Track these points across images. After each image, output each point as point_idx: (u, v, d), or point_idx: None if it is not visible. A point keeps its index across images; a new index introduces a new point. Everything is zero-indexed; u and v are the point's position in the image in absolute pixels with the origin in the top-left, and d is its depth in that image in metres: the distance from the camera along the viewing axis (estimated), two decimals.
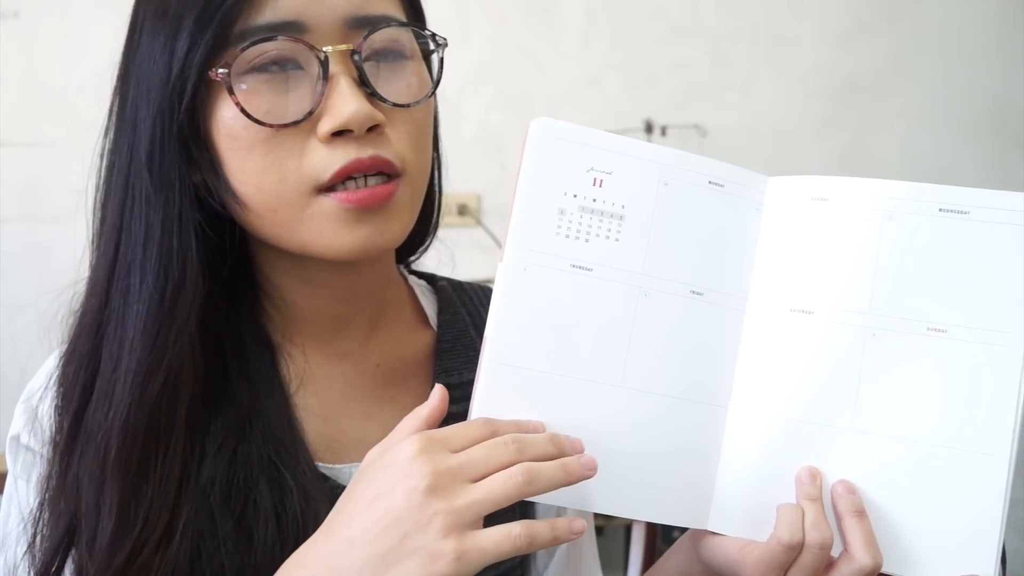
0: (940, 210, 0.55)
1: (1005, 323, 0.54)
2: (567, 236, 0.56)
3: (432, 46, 0.61)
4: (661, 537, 1.53)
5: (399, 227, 0.58)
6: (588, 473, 0.51)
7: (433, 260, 0.77)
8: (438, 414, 0.53)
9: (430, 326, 0.71)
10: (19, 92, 2.41)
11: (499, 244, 2.31)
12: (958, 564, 0.52)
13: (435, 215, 0.72)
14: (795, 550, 0.53)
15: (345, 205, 0.55)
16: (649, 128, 2.47)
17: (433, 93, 0.60)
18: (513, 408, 0.55)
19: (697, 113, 2.51)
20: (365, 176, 0.55)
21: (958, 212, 0.55)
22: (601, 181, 0.56)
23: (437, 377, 0.67)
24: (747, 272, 0.58)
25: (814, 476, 0.55)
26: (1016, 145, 2.48)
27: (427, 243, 0.74)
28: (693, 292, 0.57)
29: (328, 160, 0.55)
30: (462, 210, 2.41)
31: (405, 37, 0.59)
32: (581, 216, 0.56)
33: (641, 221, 0.57)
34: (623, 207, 0.56)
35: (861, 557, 0.52)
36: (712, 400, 0.57)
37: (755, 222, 0.58)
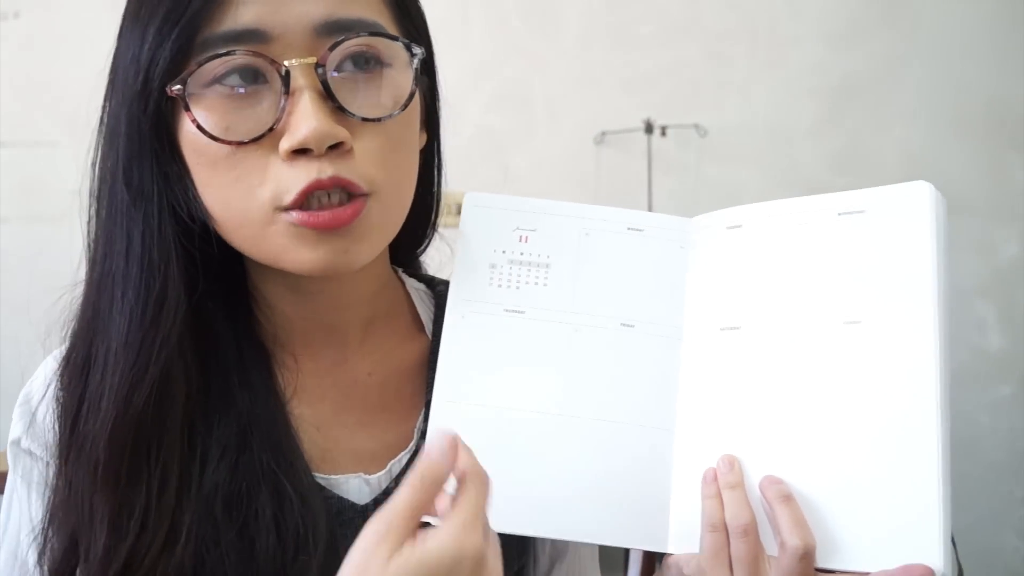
0: (840, 214, 0.59)
1: (914, 308, 0.56)
2: (499, 286, 0.64)
3: (407, 55, 0.56)
4: None
5: (366, 248, 0.56)
6: None
7: (435, 261, 0.76)
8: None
9: (425, 333, 0.70)
10: (19, 92, 2.42)
11: None
12: (900, 552, 0.53)
13: (433, 218, 0.71)
14: (720, 532, 0.55)
15: (304, 228, 0.53)
16: (649, 128, 2.47)
17: (405, 107, 0.56)
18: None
19: (697, 113, 2.51)
20: (328, 193, 0.53)
21: (856, 212, 0.59)
22: (527, 237, 0.65)
23: (429, 389, 0.66)
24: (678, 303, 0.63)
25: (731, 464, 0.57)
26: (1012, 144, 2.48)
27: (424, 246, 0.74)
28: (623, 325, 0.63)
29: (290, 180, 0.53)
30: (461, 210, 2.41)
31: (382, 43, 0.55)
32: (511, 268, 0.64)
33: (566, 267, 0.64)
34: (548, 256, 0.64)
35: (790, 539, 0.53)
36: (657, 424, 0.61)
37: (681, 258, 0.64)
